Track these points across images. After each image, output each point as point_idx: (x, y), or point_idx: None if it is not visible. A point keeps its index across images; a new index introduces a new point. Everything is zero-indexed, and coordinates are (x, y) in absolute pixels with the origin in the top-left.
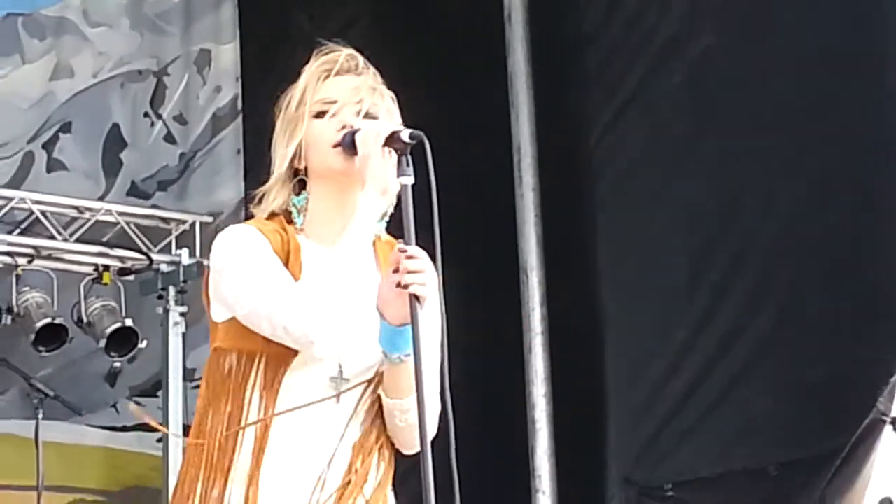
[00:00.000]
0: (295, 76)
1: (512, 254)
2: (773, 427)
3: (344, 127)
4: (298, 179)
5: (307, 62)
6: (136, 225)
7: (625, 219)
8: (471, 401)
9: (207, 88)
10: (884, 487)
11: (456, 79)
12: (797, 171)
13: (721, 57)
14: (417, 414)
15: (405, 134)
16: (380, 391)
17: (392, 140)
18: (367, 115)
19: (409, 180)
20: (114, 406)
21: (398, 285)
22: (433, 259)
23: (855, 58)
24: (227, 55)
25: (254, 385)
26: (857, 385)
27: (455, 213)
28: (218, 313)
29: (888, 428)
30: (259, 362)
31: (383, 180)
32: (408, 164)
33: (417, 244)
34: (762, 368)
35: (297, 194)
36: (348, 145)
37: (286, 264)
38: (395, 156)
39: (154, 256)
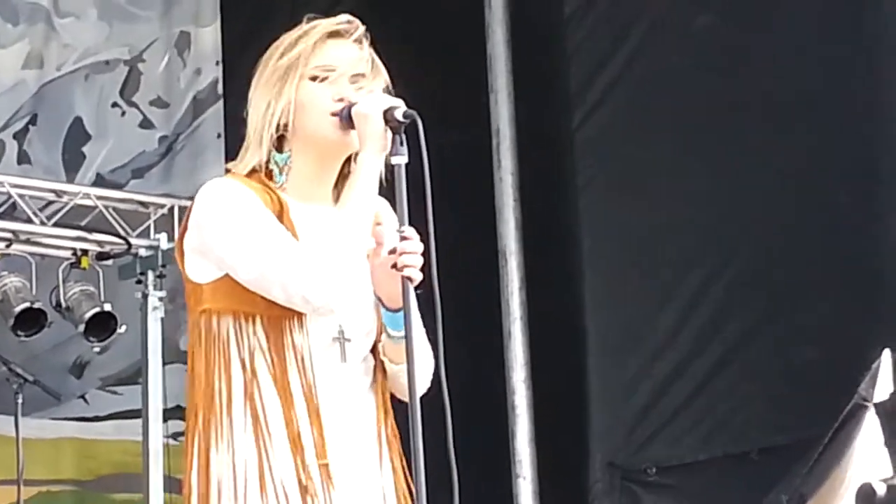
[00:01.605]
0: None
1: (491, 238)
2: (756, 412)
3: (342, 99)
4: (279, 136)
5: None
6: (115, 209)
7: (606, 203)
8: (450, 386)
9: (188, 71)
10: (865, 473)
11: (436, 61)
12: (790, 159)
13: (709, 38)
14: (410, 405)
15: (399, 112)
16: (382, 357)
17: (386, 116)
18: (362, 89)
19: (403, 160)
20: (82, 397)
21: (392, 266)
22: (426, 239)
23: (852, 44)
24: (208, 37)
25: (259, 347)
26: (838, 370)
27: (433, 197)
28: (202, 273)
29: (870, 413)
30: (260, 323)
31: (383, 139)
32: (401, 143)
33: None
34: (745, 354)
35: (279, 151)
36: (346, 118)
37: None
38: (389, 133)
39: (133, 241)
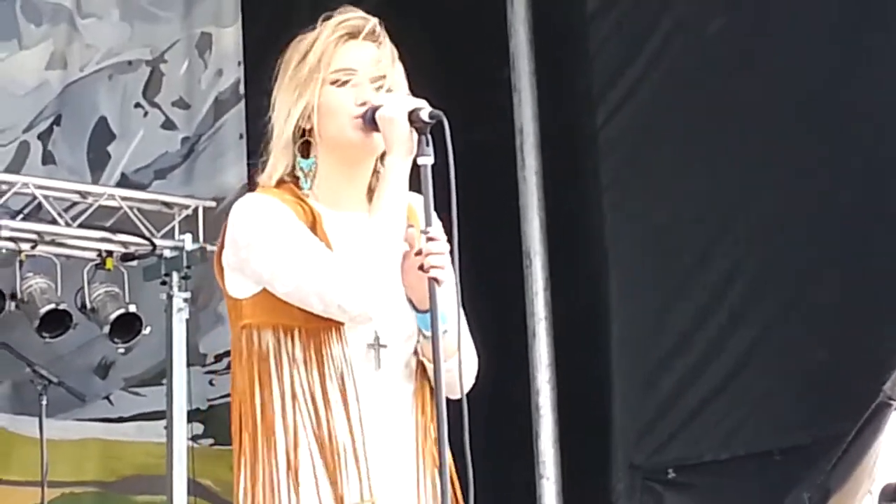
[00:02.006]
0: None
1: (515, 238)
2: (778, 411)
3: (364, 103)
4: (303, 142)
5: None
6: (139, 210)
7: (630, 202)
8: (474, 386)
9: (209, 72)
10: (890, 470)
11: (458, 60)
12: (807, 155)
13: (731, 38)
14: (436, 407)
15: (425, 113)
16: (421, 358)
17: (412, 117)
18: (382, 88)
19: (430, 160)
20: (107, 398)
21: (420, 268)
22: (450, 239)
23: (872, 42)
24: (229, 38)
25: (298, 360)
26: (863, 369)
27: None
28: (241, 289)
29: (895, 412)
30: (299, 336)
31: (410, 142)
32: (427, 144)
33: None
34: (767, 352)
35: (304, 157)
36: (370, 121)
37: (313, 234)
38: (414, 134)
39: (157, 242)
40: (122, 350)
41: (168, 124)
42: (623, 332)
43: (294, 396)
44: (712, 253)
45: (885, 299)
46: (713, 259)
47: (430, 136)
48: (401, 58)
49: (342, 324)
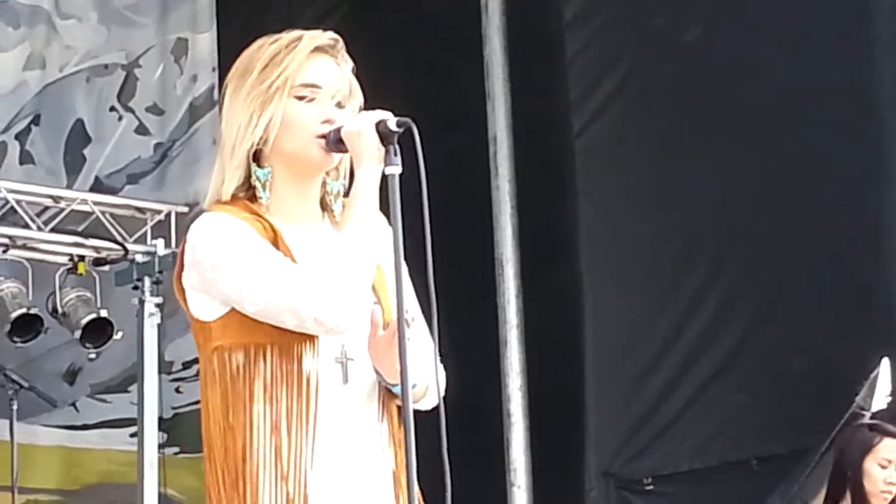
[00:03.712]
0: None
1: (488, 245)
2: (754, 421)
3: (327, 121)
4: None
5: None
6: (111, 215)
7: (604, 212)
8: (445, 393)
9: (184, 78)
10: None
11: (432, 69)
12: (784, 167)
13: (708, 48)
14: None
15: (392, 122)
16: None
17: (379, 128)
18: (341, 106)
19: (397, 170)
20: (73, 405)
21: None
22: (423, 248)
23: (844, 55)
24: (204, 44)
25: (267, 379)
26: (839, 380)
27: (430, 205)
28: (208, 311)
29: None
30: (271, 354)
31: (378, 152)
32: (395, 154)
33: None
34: (743, 363)
35: (260, 166)
36: (333, 142)
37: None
38: (381, 146)
39: (129, 247)
40: (92, 355)
41: (142, 129)
42: (597, 342)
43: (268, 419)
44: (688, 263)
45: (859, 310)
46: (689, 269)
47: (397, 146)
48: (376, 67)
49: (315, 337)
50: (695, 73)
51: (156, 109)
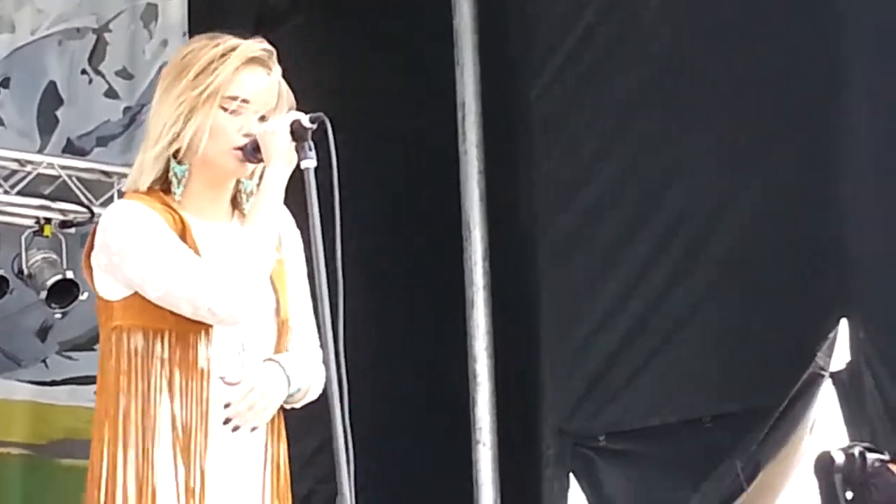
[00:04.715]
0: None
1: (455, 209)
2: (710, 380)
3: (248, 134)
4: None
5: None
6: (78, 178)
7: (565, 174)
8: (413, 355)
9: (154, 42)
10: (821, 441)
11: (402, 36)
12: (742, 127)
13: (671, 14)
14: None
15: (305, 120)
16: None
17: (293, 128)
18: (264, 119)
19: (312, 163)
20: (43, 361)
21: (225, 422)
22: (332, 237)
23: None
24: (175, 9)
25: (165, 361)
26: (797, 340)
27: (399, 170)
28: (112, 291)
29: (826, 382)
30: (169, 338)
31: (289, 153)
32: (310, 149)
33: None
34: (699, 321)
35: (180, 163)
36: (250, 152)
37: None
38: (293, 147)
39: (95, 210)
40: (59, 315)
41: (111, 93)
42: (554, 302)
43: (158, 400)
44: (645, 223)
45: (819, 269)
46: (646, 229)
47: (311, 142)
48: (346, 35)
49: (211, 327)
50: (656, 37)
51: (125, 73)
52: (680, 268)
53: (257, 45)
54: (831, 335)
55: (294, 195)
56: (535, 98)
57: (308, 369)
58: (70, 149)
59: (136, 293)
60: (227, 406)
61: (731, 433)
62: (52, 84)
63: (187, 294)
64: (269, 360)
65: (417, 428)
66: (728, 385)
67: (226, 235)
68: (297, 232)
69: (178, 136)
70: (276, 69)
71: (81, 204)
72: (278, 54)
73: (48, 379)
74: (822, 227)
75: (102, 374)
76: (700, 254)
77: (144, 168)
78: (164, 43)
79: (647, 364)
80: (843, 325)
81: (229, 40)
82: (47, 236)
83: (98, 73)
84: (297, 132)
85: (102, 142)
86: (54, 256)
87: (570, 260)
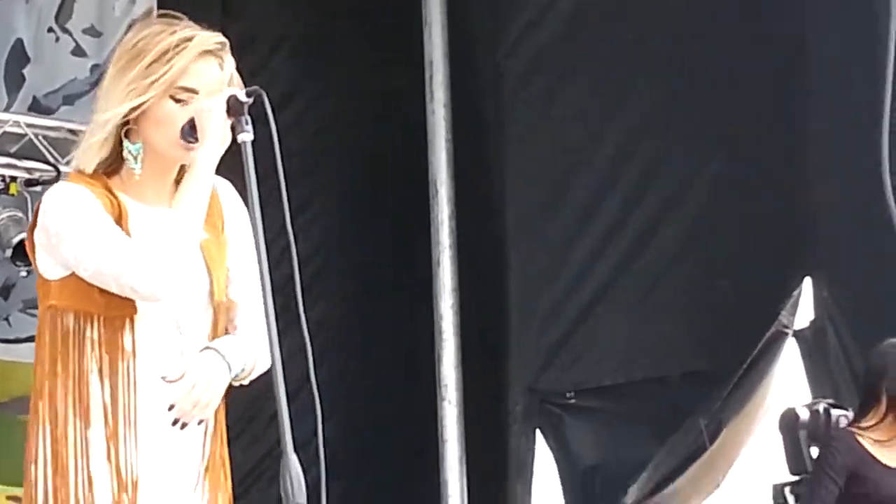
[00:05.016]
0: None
1: (422, 168)
2: (678, 338)
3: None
4: (127, 129)
5: None
6: (45, 137)
7: (534, 134)
8: (379, 311)
9: (122, 0)
10: (784, 399)
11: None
12: (714, 86)
13: None
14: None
15: (241, 94)
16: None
17: (229, 103)
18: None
19: (249, 137)
20: (6, 319)
21: (174, 423)
22: (282, 210)
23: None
24: None
25: (96, 344)
26: (759, 299)
27: (366, 130)
28: (52, 271)
29: (790, 340)
30: (97, 322)
31: (223, 130)
32: (246, 122)
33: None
34: (667, 281)
35: (133, 142)
36: (187, 133)
37: (118, 225)
38: (229, 124)
39: (62, 168)
40: (24, 273)
41: (78, 51)
42: (523, 260)
43: (89, 382)
44: (613, 183)
45: (783, 231)
46: (614, 189)
47: (248, 116)
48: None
49: (143, 310)
50: (623, 4)
51: (93, 31)
52: (649, 228)
53: (212, 38)
54: (795, 293)
55: (264, 168)
56: (503, 58)
57: (250, 346)
58: (36, 107)
59: (72, 274)
60: (171, 408)
61: (697, 391)
62: (19, 42)
63: (113, 272)
64: (207, 348)
65: (382, 386)
66: (695, 344)
67: (165, 220)
68: (244, 208)
69: (128, 122)
70: (230, 61)
71: (47, 162)
72: (244, 13)
73: (11, 336)
74: (786, 190)
75: (38, 349)
76: (669, 215)
77: (91, 150)
78: (133, 0)
79: (616, 322)
80: (807, 283)
81: (185, 29)
82: (13, 194)
83: (65, 30)
84: (233, 107)
85: (69, 100)
86: (20, 215)
87: (540, 220)
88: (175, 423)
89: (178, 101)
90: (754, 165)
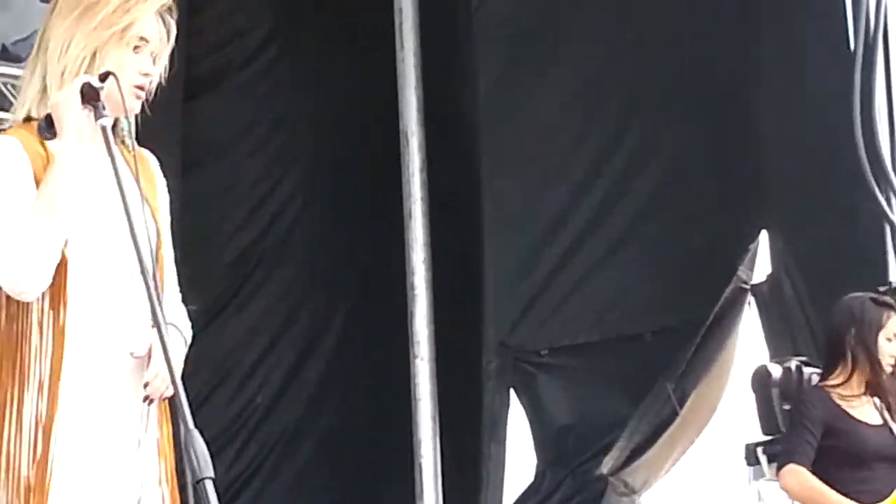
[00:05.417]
0: None
1: (392, 119)
2: (648, 295)
3: (147, 74)
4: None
5: None
6: (13, 86)
7: (507, 84)
8: (351, 265)
9: None
10: (748, 357)
11: None
12: (682, 45)
13: None
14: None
15: (94, 80)
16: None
17: (83, 91)
18: (153, 63)
19: (109, 122)
20: None
21: (145, 399)
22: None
23: None
24: None
25: (42, 297)
26: (723, 254)
27: (336, 79)
28: None
29: (749, 296)
30: (41, 301)
31: (79, 124)
32: (103, 107)
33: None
34: (638, 237)
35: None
36: (45, 129)
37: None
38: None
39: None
40: None
41: None
42: (496, 215)
43: (30, 334)
44: (586, 138)
45: (742, 186)
46: (586, 144)
47: (104, 102)
48: None
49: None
50: None
51: None
52: (618, 187)
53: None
54: (752, 247)
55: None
56: (476, 5)
57: (186, 318)
58: (5, 55)
59: None
60: (146, 385)
61: (669, 347)
62: None
63: None
64: (169, 324)
65: (354, 342)
66: (667, 300)
67: (98, 164)
68: (164, 182)
69: (87, 70)
70: (173, 22)
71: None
72: None
73: None
74: (742, 148)
75: None
76: (636, 175)
77: (43, 98)
78: None
79: (588, 279)
80: (764, 236)
81: None
82: None
83: None
84: (87, 94)
85: None
86: None
87: (513, 174)
88: (145, 399)
89: (133, 49)
90: (713, 129)
